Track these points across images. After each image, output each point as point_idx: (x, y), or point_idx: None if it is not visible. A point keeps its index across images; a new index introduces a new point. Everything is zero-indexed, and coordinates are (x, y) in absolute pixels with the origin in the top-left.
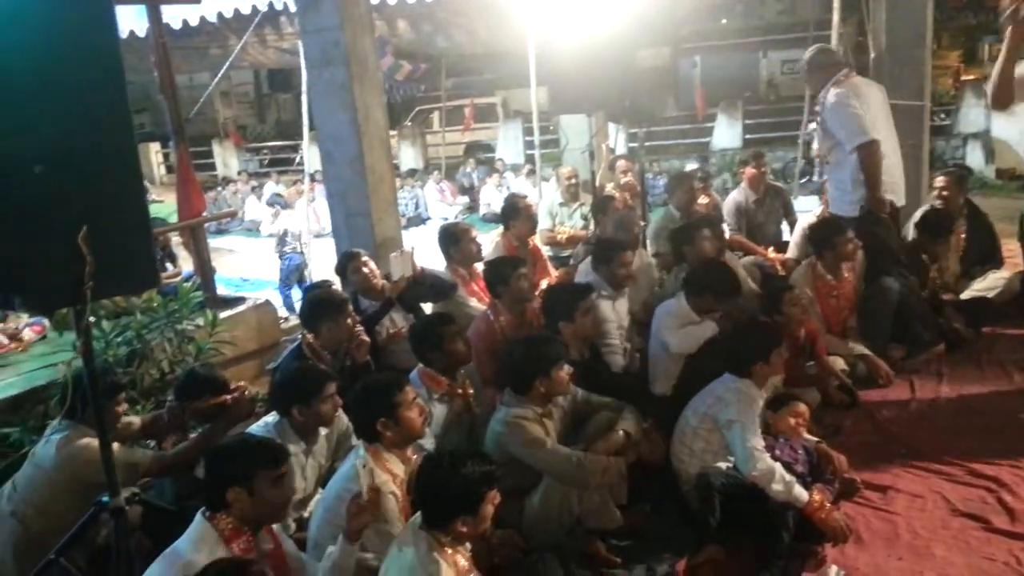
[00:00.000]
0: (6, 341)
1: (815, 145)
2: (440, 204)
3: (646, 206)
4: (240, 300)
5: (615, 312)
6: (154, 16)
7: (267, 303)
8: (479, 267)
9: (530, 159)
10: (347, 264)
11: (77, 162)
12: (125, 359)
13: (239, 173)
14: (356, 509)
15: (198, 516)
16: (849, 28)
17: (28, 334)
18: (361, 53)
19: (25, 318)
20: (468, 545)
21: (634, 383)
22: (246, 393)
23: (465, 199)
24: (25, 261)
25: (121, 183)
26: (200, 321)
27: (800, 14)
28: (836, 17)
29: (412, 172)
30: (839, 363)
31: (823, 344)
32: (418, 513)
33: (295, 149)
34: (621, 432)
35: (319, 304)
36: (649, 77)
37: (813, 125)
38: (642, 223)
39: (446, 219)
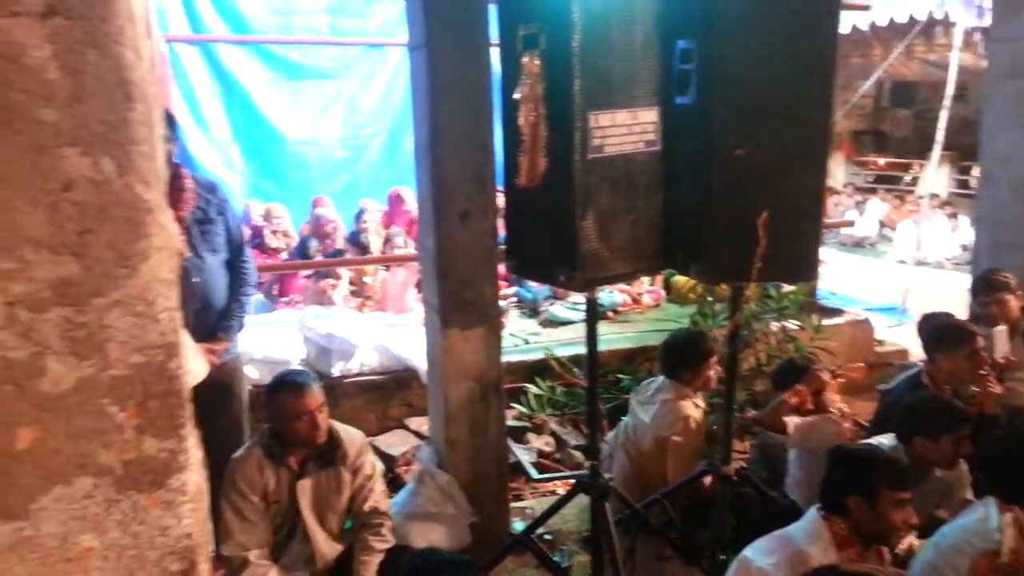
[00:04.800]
0: (629, 301)
1: None
2: None
3: None
4: (839, 311)
5: None
6: None
7: (866, 321)
8: None
9: None
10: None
11: (773, 152)
12: None
13: (844, 186)
14: (987, 568)
15: (813, 511)
16: None
17: (647, 299)
18: None
19: (646, 284)
20: None
21: None
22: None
23: None
24: (707, 233)
25: (806, 178)
26: (800, 323)
27: None
28: None
29: None
30: None
31: None
32: None
33: (906, 168)
34: None
35: (940, 331)
36: None
37: None
38: None
39: None
